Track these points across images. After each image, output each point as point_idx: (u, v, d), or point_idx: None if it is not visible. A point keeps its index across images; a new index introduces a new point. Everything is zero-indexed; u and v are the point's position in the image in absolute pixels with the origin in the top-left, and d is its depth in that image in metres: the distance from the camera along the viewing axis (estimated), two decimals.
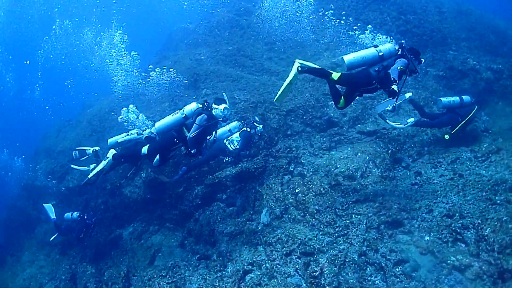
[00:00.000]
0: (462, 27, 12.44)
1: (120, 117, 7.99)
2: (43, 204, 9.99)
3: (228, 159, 8.29)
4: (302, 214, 7.35)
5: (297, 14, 11.94)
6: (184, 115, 6.76)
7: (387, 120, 7.49)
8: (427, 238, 6.03)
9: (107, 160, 7.37)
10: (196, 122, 6.56)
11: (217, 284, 6.80)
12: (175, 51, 15.39)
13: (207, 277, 7.12)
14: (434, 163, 7.72)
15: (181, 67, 12.24)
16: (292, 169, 8.58)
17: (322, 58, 11.87)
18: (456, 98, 7.97)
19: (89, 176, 7.59)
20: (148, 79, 12.25)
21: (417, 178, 7.54)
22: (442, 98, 8.01)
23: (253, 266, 6.83)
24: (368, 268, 6.00)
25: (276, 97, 6.13)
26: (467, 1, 14.27)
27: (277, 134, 9.37)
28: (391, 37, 7.26)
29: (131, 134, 7.81)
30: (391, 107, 5.89)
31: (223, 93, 7.44)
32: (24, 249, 11.22)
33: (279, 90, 6.03)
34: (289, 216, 7.49)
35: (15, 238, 12.11)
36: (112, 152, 7.42)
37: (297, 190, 7.79)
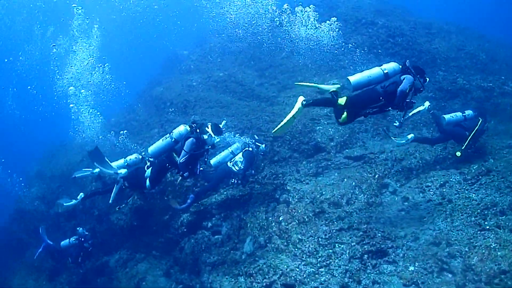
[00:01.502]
0: (452, 46, 12.43)
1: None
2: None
3: (235, 181, 8.16)
4: (285, 243, 7.10)
5: (286, 39, 12.02)
6: (173, 139, 6.79)
7: (393, 138, 7.72)
8: (411, 268, 5.72)
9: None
10: (184, 148, 6.59)
11: None
12: (168, 77, 15.55)
13: None
14: (422, 188, 7.49)
15: (172, 93, 12.31)
16: (277, 196, 8.39)
17: None
18: (458, 113, 7.95)
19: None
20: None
21: (404, 203, 7.31)
22: (445, 116, 7.94)
23: None
24: None
25: (275, 130, 6.04)
26: (456, 20, 14.34)
27: (263, 160, 9.24)
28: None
29: (130, 159, 7.95)
30: (398, 123, 5.87)
31: (224, 120, 7.46)
32: (14, 273, 11.07)
33: (280, 123, 5.92)
34: (273, 246, 7.23)
35: (5, 261, 12.00)
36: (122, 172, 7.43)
37: (280, 218, 7.58)
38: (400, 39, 12.24)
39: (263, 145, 8.45)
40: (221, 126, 7.29)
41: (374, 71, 5.70)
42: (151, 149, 6.97)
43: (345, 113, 5.80)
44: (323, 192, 7.92)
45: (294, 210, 7.61)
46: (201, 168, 7.39)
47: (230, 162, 8.15)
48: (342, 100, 5.71)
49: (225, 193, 8.72)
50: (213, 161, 8.29)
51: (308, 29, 10.72)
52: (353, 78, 5.65)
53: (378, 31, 12.65)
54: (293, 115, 5.78)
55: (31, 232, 12.17)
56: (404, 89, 5.49)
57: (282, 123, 5.89)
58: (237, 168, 8.00)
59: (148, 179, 7.12)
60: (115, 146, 11.39)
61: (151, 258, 9.11)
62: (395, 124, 5.93)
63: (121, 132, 10.76)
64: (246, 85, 12.63)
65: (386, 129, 7.81)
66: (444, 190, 7.12)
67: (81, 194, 8.10)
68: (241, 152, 8.13)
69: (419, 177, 7.75)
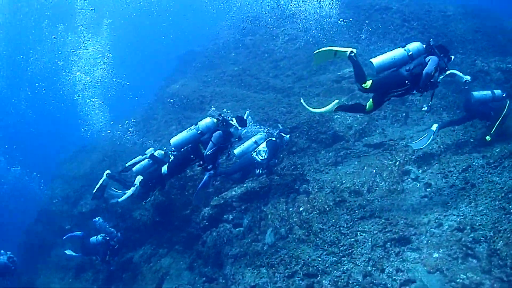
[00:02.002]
0: (468, 29, 12.08)
1: None
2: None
3: (260, 171, 8.23)
4: (306, 234, 7.09)
5: (299, 30, 11.93)
6: (199, 131, 6.79)
7: (418, 146, 7.57)
8: (436, 255, 5.62)
9: (135, 186, 7.27)
10: (212, 140, 6.60)
11: None
12: (183, 74, 15.67)
13: None
14: (445, 173, 7.30)
15: (188, 89, 12.42)
16: (297, 187, 8.37)
17: (327, 72, 11.75)
18: (487, 92, 7.76)
19: (119, 200, 7.47)
20: None
21: (427, 190, 7.15)
22: (474, 93, 7.76)
23: None
24: None
25: (316, 51, 5.81)
26: (472, 2, 13.89)
27: (282, 151, 9.23)
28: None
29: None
30: (427, 107, 5.69)
31: (247, 111, 7.47)
32: (40, 272, 11.42)
33: (321, 48, 5.71)
34: (294, 236, 7.24)
35: (31, 261, 12.38)
36: (139, 178, 7.37)
37: (301, 209, 7.57)
38: (416, 23, 11.97)
39: (287, 136, 8.43)
40: (244, 117, 7.27)
41: (398, 52, 5.51)
42: (174, 140, 6.93)
43: (370, 100, 5.72)
44: (343, 181, 7.87)
45: (314, 200, 7.59)
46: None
47: (254, 152, 8.18)
48: (367, 84, 5.56)
49: (245, 185, 8.76)
50: (236, 151, 8.32)
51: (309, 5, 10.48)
52: (376, 60, 5.47)
53: (392, 16, 12.40)
54: (335, 51, 5.63)
55: (55, 232, 12.52)
56: (430, 71, 5.31)
57: (322, 49, 5.70)
58: (260, 157, 8.03)
59: (167, 166, 7.08)
60: (134, 144, 11.63)
61: (174, 252, 9.26)
62: (423, 108, 5.71)
63: (126, 122, 10.84)
64: (261, 78, 12.60)
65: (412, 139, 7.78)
66: (467, 174, 6.94)
67: (108, 171, 8.10)
68: (265, 142, 8.15)
69: (441, 162, 7.57)
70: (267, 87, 12.26)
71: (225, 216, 8.66)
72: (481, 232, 5.54)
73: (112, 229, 9.68)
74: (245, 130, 7.08)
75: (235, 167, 8.48)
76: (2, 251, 10.34)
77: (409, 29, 11.78)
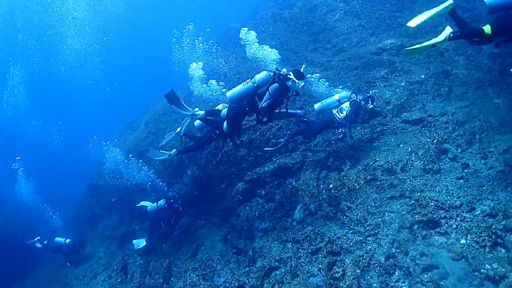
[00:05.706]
0: None
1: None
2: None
3: (341, 130, 7.72)
4: (334, 211, 7.12)
5: (339, 1, 11.38)
6: (255, 85, 6.79)
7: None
8: (463, 241, 5.39)
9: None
10: (269, 91, 6.59)
11: (242, 279, 6.94)
12: (223, 50, 15.71)
13: (236, 272, 7.32)
14: (485, 153, 6.84)
15: (226, 66, 12.52)
16: (329, 164, 8.34)
17: (368, 44, 11.22)
18: None
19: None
20: None
21: (464, 171, 6.77)
22: None
23: (280, 263, 6.83)
24: (396, 272, 5.60)
25: (409, 48, 5.56)
26: None
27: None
28: None
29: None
30: None
31: (303, 64, 7.36)
32: (87, 242, 12.45)
33: (416, 45, 5.49)
34: (322, 213, 7.31)
35: (80, 232, 13.46)
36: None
37: (331, 186, 7.56)
38: None
39: (371, 106, 8.04)
40: (301, 70, 6.98)
41: None
42: (230, 93, 6.98)
43: (488, 25, 5.25)
44: (377, 159, 7.67)
45: (345, 177, 7.52)
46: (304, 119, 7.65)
47: (335, 109, 7.84)
48: (487, 29, 5.21)
49: (277, 161, 8.86)
50: (317, 105, 8.12)
51: None
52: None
53: None
54: (433, 43, 5.45)
55: (103, 205, 13.43)
56: None
57: (418, 46, 5.48)
58: (341, 115, 7.66)
59: (225, 122, 7.13)
60: (176, 121, 12.06)
61: (211, 224, 9.69)
62: None
63: None
64: (299, 52, 12.31)
65: None
66: (507, 156, 6.44)
67: (174, 150, 7.79)
68: (349, 102, 7.76)
69: (481, 142, 7.10)
70: (305, 62, 11.98)
71: (258, 191, 8.89)
72: None
73: (175, 193, 9.90)
74: (303, 83, 6.77)
75: (316, 125, 8.17)
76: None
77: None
